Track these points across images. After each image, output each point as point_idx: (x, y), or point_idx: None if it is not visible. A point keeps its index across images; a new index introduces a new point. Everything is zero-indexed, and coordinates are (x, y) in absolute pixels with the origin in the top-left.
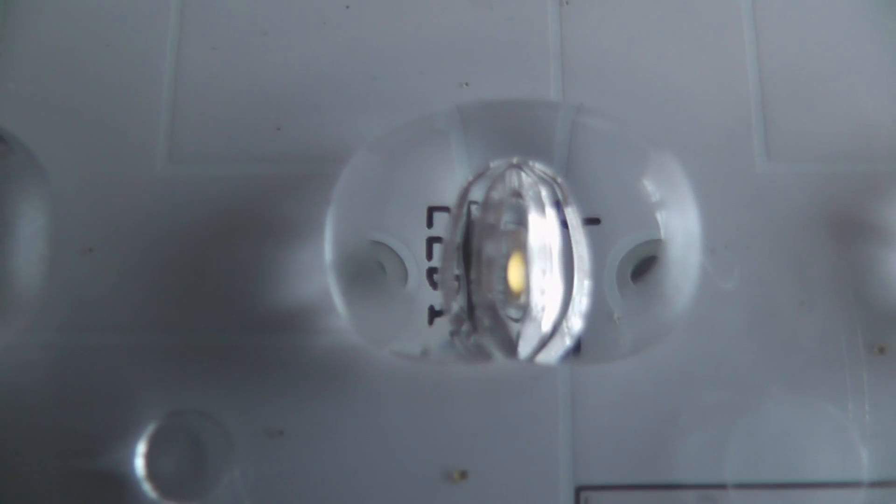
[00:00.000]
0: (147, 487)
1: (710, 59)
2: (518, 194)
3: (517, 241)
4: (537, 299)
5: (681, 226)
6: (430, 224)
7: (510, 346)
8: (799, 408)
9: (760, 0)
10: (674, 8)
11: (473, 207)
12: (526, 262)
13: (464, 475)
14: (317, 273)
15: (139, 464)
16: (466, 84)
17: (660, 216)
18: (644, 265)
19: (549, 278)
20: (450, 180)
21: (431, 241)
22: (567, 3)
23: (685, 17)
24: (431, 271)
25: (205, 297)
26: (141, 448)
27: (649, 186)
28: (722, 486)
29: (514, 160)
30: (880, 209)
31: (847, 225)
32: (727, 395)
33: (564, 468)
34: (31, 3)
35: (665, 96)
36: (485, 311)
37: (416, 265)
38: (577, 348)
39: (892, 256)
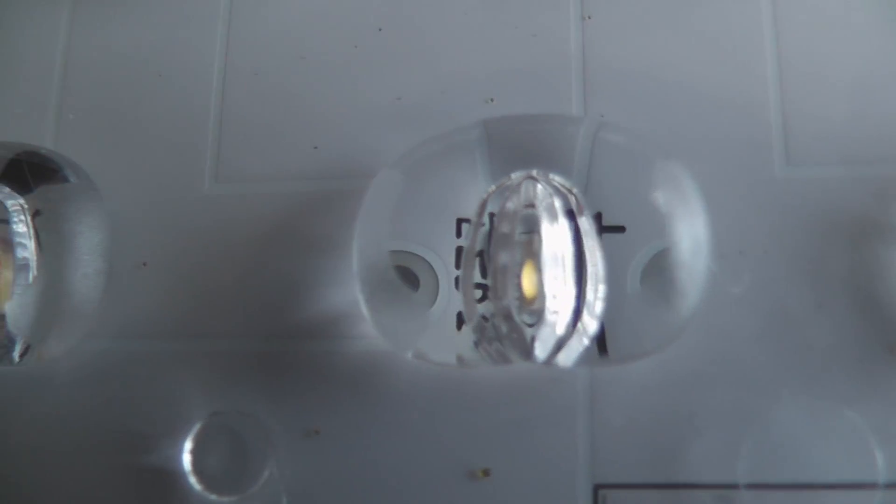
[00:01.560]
0: (193, 481)
1: (730, 67)
2: (532, 205)
3: (530, 249)
4: (550, 304)
5: (688, 233)
6: (459, 234)
7: (526, 350)
8: (813, 409)
9: (781, 6)
10: (693, 18)
11: (496, 218)
12: (538, 269)
13: (487, 473)
14: (350, 283)
15: (186, 459)
16: (492, 100)
17: (667, 224)
18: (653, 272)
19: (561, 284)
20: (477, 192)
21: (460, 250)
22: (589, 17)
23: (705, 27)
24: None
25: (247, 306)
26: (188, 445)
27: (658, 197)
28: (737, 487)
29: (533, 172)
30: None
31: (866, 228)
32: (743, 397)
33: (583, 467)
34: (91, 40)
35: (686, 105)
36: (501, 318)
37: (447, 273)
38: (603, 348)
39: None
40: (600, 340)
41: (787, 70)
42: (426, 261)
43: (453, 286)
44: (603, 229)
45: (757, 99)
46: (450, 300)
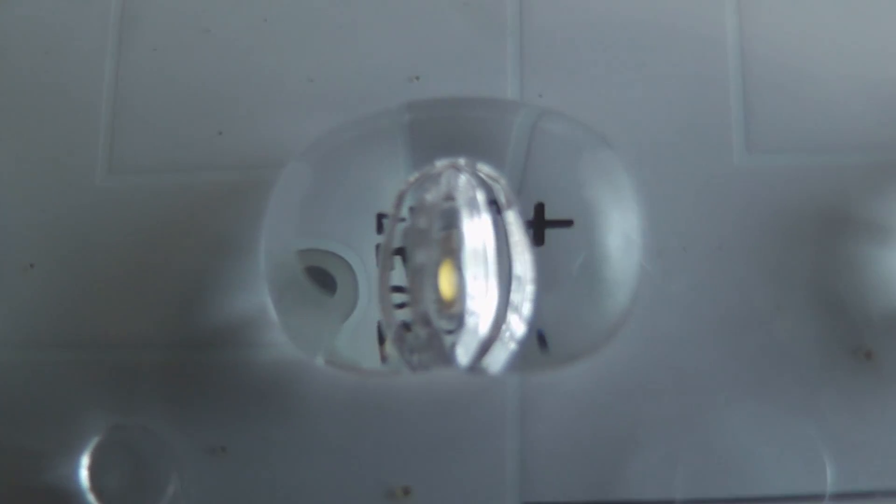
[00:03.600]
0: (91, 499)
1: (686, 42)
2: (452, 197)
3: (449, 246)
4: (470, 305)
5: (617, 229)
6: (379, 230)
7: (445, 357)
8: (764, 418)
9: None
10: None
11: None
12: (457, 269)
13: (407, 492)
14: (258, 285)
15: (83, 476)
16: (417, 78)
17: (596, 220)
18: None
19: (481, 284)
20: (398, 184)
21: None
22: None
23: None
24: None
25: (147, 311)
26: (85, 461)
27: (586, 191)
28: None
29: (457, 161)
30: (870, 204)
31: (833, 222)
32: (687, 407)
33: (512, 484)
34: None
35: (635, 82)
36: (420, 324)
37: (366, 274)
38: (545, 347)
39: (882, 255)
40: (541, 339)
41: (749, 45)
42: (345, 260)
43: (374, 287)
44: (547, 223)
45: (715, 76)
46: (370, 302)
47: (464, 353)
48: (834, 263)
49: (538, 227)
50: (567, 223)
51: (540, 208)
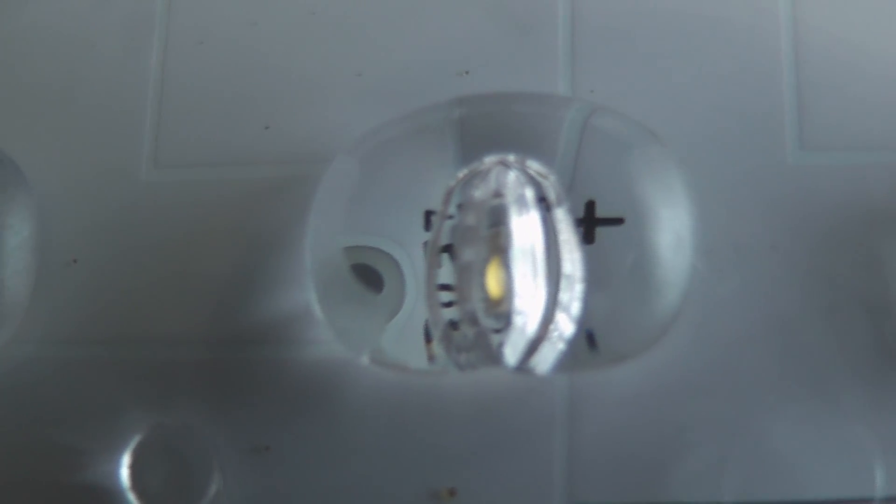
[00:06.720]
0: (132, 499)
1: (740, 39)
2: (501, 194)
3: (497, 244)
4: (518, 305)
5: (669, 228)
6: (427, 228)
7: (493, 357)
8: (815, 420)
9: None
10: None
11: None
12: (505, 266)
13: (452, 493)
14: (303, 281)
15: (124, 475)
16: (466, 73)
17: (646, 218)
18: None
19: (529, 282)
20: (447, 180)
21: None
22: None
23: None
24: None
25: (190, 307)
26: (126, 460)
27: (637, 188)
28: None
29: (506, 157)
30: None
31: (889, 221)
32: (737, 408)
33: (559, 485)
34: (13, 6)
35: (688, 78)
36: (467, 323)
37: (414, 271)
38: (594, 346)
39: None
40: (590, 338)
41: (803, 39)
42: (392, 257)
43: (421, 285)
44: (597, 221)
45: (769, 71)
46: (417, 301)
47: (511, 353)
48: (889, 264)
49: (588, 224)
50: (618, 221)
51: (590, 206)
